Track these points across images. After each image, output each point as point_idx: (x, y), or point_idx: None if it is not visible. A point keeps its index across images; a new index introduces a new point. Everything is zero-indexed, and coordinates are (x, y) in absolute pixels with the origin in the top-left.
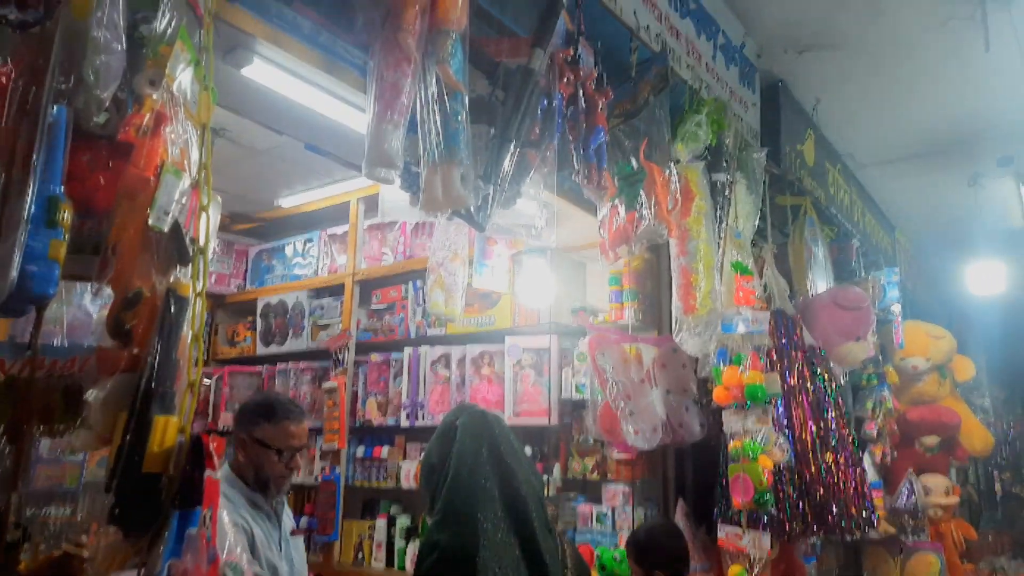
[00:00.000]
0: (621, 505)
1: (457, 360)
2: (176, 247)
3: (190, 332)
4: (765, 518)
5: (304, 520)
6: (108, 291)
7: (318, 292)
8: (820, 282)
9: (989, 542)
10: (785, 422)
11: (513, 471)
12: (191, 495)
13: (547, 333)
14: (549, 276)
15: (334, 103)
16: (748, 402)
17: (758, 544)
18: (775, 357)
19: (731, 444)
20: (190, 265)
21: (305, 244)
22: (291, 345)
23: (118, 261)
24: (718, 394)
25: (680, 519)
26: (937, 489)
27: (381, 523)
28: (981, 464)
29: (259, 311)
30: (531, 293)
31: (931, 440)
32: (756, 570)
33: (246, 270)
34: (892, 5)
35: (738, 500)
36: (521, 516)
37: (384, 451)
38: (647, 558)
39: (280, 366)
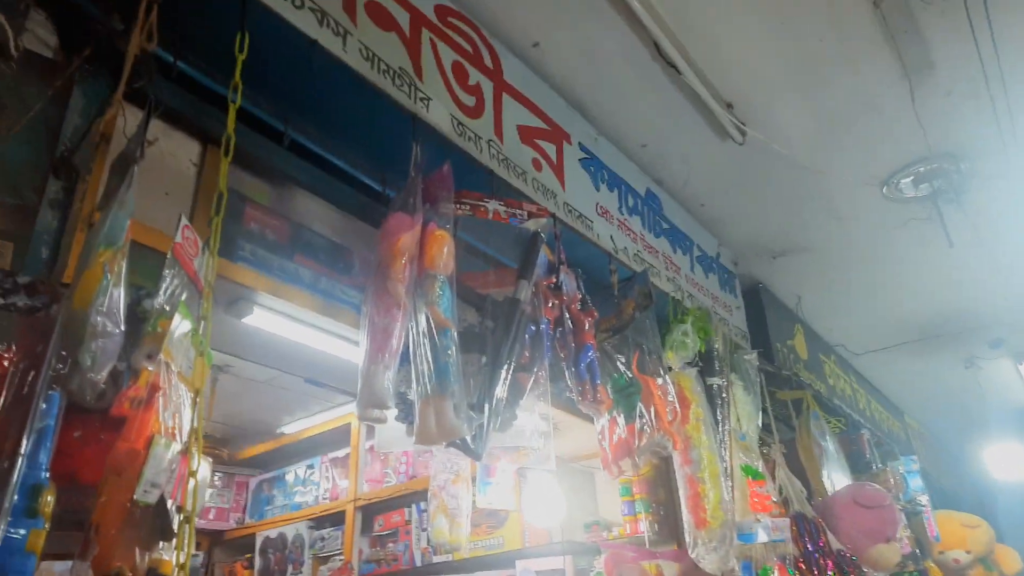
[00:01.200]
0: None
1: None
2: (160, 522)
3: None
4: None
5: None
6: (89, 574)
7: (319, 522)
8: (837, 477)
9: None
10: None
11: None
12: None
13: (560, 554)
14: (557, 491)
15: (332, 340)
16: None
17: None
18: (804, 567)
19: None
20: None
21: (306, 470)
22: None
23: (100, 540)
24: None
25: None
26: None
27: None
28: None
29: (258, 547)
30: (540, 510)
31: None
32: None
33: (246, 503)
34: (850, 212)
35: None
36: None
37: None
38: None
39: None
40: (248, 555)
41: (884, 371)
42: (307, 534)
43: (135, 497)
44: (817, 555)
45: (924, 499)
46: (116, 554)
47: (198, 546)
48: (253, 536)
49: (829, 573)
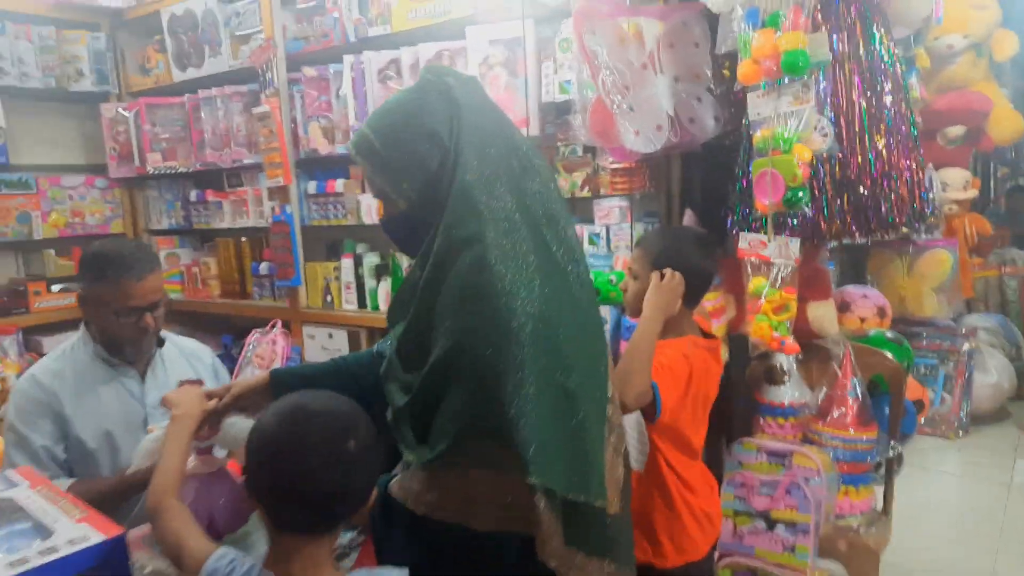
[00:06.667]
0: (617, 222)
1: (409, 66)
2: None
3: None
4: (793, 221)
5: (264, 266)
6: None
7: None
8: None
9: (993, 236)
10: (828, 101)
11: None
12: None
13: (519, 18)
14: None
15: None
16: (783, 77)
17: (784, 251)
18: (819, 17)
19: (757, 135)
20: None
21: None
22: (211, 66)
23: None
24: (745, 70)
25: None
26: (955, 183)
27: (347, 263)
28: (981, 159)
29: (166, 27)
30: None
31: (956, 131)
32: (780, 281)
33: None
34: None
35: (763, 202)
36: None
37: (339, 184)
38: (671, 258)
39: (203, 94)
40: (158, 37)
41: None
42: (218, 9)
43: None
44: (839, 0)
45: None
46: None
47: (99, 27)
48: (158, 15)
49: (848, 20)
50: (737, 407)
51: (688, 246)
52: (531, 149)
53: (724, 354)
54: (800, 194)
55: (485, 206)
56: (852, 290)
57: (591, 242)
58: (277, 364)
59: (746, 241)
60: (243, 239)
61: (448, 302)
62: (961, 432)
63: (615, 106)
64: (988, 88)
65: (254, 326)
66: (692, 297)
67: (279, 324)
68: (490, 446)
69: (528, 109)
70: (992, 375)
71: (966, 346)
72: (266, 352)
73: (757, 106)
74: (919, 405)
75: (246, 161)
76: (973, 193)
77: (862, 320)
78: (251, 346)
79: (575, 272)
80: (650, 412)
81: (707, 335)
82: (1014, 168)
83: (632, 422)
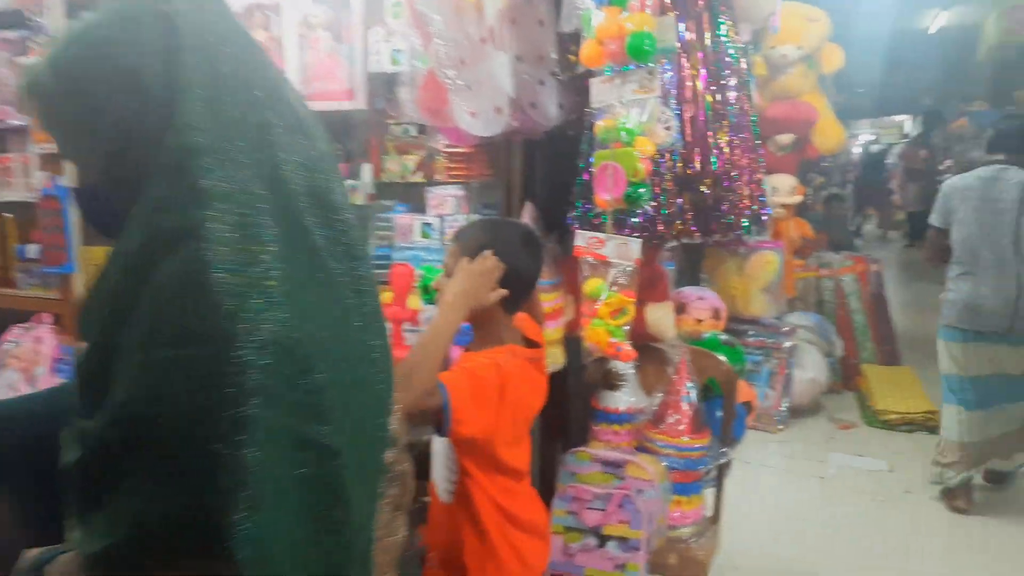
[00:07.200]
0: (452, 213)
1: None
2: None
3: None
4: (633, 220)
5: (33, 248)
6: None
7: None
8: None
9: (812, 240)
10: (673, 92)
11: (294, 100)
12: None
13: None
14: None
15: None
16: (629, 63)
17: (624, 251)
18: (668, 0)
19: (599, 124)
20: None
21: None
22: None
23: None
24: (588, 52)
25: None
26: (783, 189)
27: None
28: (801, 167)
29: None
30: None
31: (786, 139)
32: (618, 283)
33: None
34: None
35: (603, 198)
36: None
37: None
38: (488, 244)
39: None
40: None
41: None
42: None
43: None
44: None
45: None
46: None
47: None
48: None
49: (697, 9)
50: (574, 414)
51: (510, 242)
52: (304, 108)
53: (559, 358)
54: (641, 190)
55: (211, 181)
56: (689, 291)
57: (423, 234)
58: (43, 368)
59: (583, 239)
60: (7, 216)
61: (143, 324)
62: (781, 426)
63: (449, 81)
64: (816, 99)
65: (20, 321)
66: (512, 301)
67: (47, 319)
68: (188, 540)
69: (354, 79)
70: (809, 371)
71: (788, 343)
72: (27, 352)
73: (600, 92)
74: (748, 407)
75: (12, 122)
76: (799, 198)
77: (698, 322)
78: (9, 345)
79: (353, 275)
80: (440, 422)
81: (532, 343)
82: (829, 177)
83: (441, 446)
